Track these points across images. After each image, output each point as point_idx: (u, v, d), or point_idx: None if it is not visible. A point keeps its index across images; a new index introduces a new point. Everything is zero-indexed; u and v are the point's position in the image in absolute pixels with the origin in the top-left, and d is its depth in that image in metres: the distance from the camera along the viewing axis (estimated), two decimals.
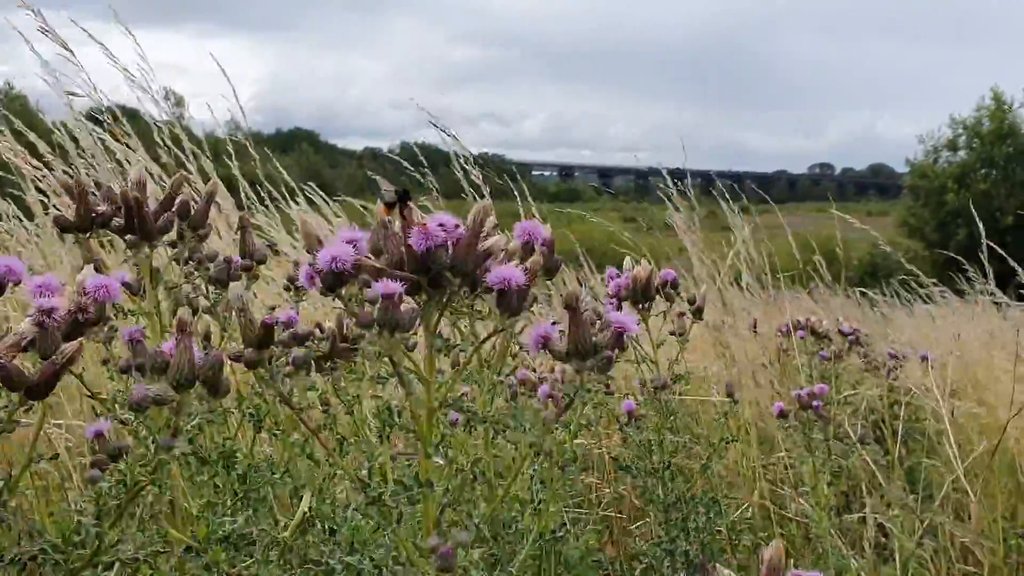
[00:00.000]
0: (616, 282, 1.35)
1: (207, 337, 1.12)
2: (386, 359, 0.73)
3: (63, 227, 0.96)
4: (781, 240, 3.35)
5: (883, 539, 1.96)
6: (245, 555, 0.87)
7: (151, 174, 2.20)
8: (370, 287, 0.71)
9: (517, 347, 1.04)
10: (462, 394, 0.84)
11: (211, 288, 1.05)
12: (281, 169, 2.64)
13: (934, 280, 3.84)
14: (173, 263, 1.05)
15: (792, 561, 0.73)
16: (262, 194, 2.55)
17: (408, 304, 0.75)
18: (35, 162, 2.11)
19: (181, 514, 0.91)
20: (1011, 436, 2.21)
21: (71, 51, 2.12)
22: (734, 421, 2.11)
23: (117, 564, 0.76)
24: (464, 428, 0.80)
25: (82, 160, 2.16)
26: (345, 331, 0.97)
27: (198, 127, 2.51)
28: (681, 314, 1.42)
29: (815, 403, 1.52)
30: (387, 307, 0.70)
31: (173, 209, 1.02)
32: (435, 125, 2.58)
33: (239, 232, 1.12)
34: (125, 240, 0.96)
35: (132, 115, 2.44)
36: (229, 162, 2.47)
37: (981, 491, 2.02)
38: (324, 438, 0.85)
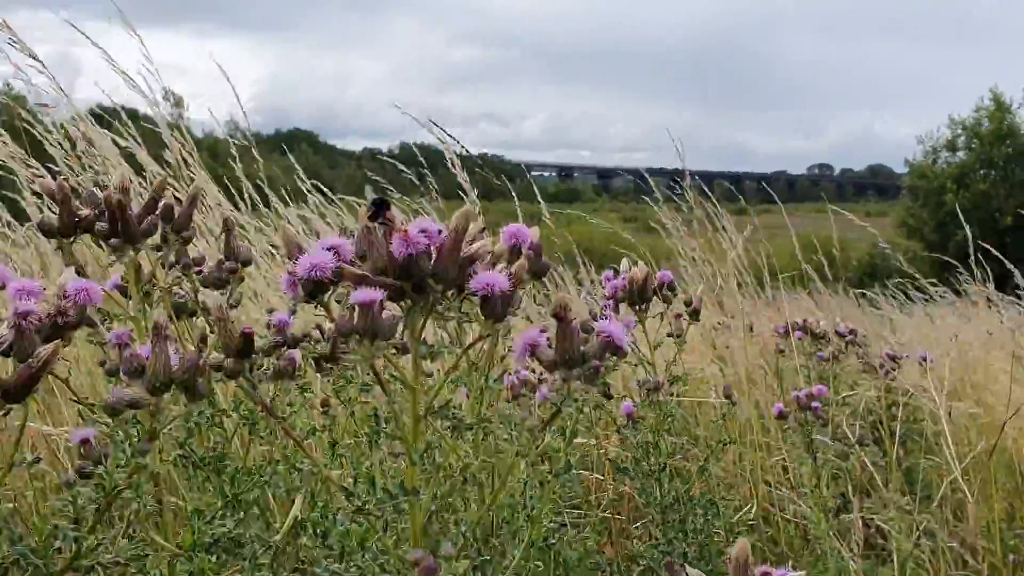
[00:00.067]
0: (613, 283, 1.35)
1: (204, 339, 1.11)
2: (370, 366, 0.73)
3: (46, 232, 0.96)
4: (781, 240, 3.35)
5: (881, 540, 1.96)
6: (235, 559, 0.86)
7: (147, 175, 2.20)
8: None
9: (507, 350, 1.04)
10: (448, 400, 0.84)
11: (207, 291, 1.05)
12: (297, 167, 2.64)
13: (931, 280, 3.84)
14: (159, 267, 1.04)
15: (791, 562, 0.73)
16: (266, 195, 2.55)
17: (394, 310, 0.74)
18: (34, 162, 2.11)
19: (176, 517, 0.91)
20: (1009, 436, 2.21)
21: (40, 61, 2.13)
22: (732, 423, 2.11)
23: (101, 569, 0.75)
24: (452, 434, 0.80)
25: (78, 161, 2.16)
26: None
27: (197, 128, 2.51)
28: (678, 315, 1.42)
29: (814, 404, 1.52)
30: (367, 314, 0.69)
31: (156, 212, 1.01)
32: (429, 125, 2.59)
33: (223, 234, 1.11)
34: (109, 244, 0.96)
35: (132, 115, 2.44)
36: (233, 164, 2.47)
37: (979, 491, 2.02)
38: (309, 445, 0.85)
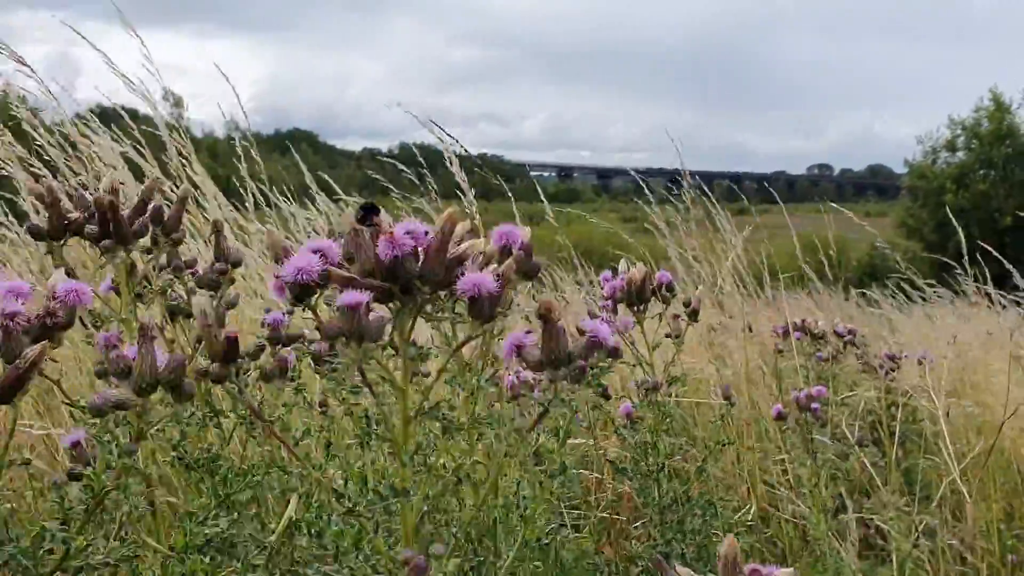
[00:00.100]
0: (611, 284, 1.35)
1: (199, 341, 1.12)
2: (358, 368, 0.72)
3: (36, 235, 0.96)
4: (781, 240, 3.35)
5: (881, 540, 1.96)
6: (229, 559, 0.86)
7: (148, 176, 2.20)
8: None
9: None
10: (438, 401, 0.85)
11: (195, 296, 1.05)
12: (303, 166, 2.63)
13: (929, 282, 3.85)
14: (151, 269, 1.04)
15: (789, 562, 0.73)
16: (266, 195, 2.55)
17: (383, 312, 0.74)
18: (37, 163, 2.11)
19: (177, 517, 0.91)
20: (1007, 436, 2.21)
21: (28, 65, 2.13)
22: (730, 424, 2.11)
23: (91, 570, 0.75)
24: (443, 435, 0.80)
25: (80, 163, 2.16)
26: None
27: (197, 128, 2.51)
28: (676, 316, 1.42)
29: (813, 405, 1.52)
30: (354, 317, 0.69)
31: (146, 214, 1.01)
32: (429, 125, 2.58)
33: (213, 236, 1.11)
34: (100, 246, 0.96)
35: (132, 115, 2.44)
36: (238, 164, 2.47)
37: (977, 492, 2.03)
38: (308, 446, 0.85)
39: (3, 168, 2.04)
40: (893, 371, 2.71)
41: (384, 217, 0.73)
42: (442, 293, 0.75)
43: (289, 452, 0.82)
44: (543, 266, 0.85)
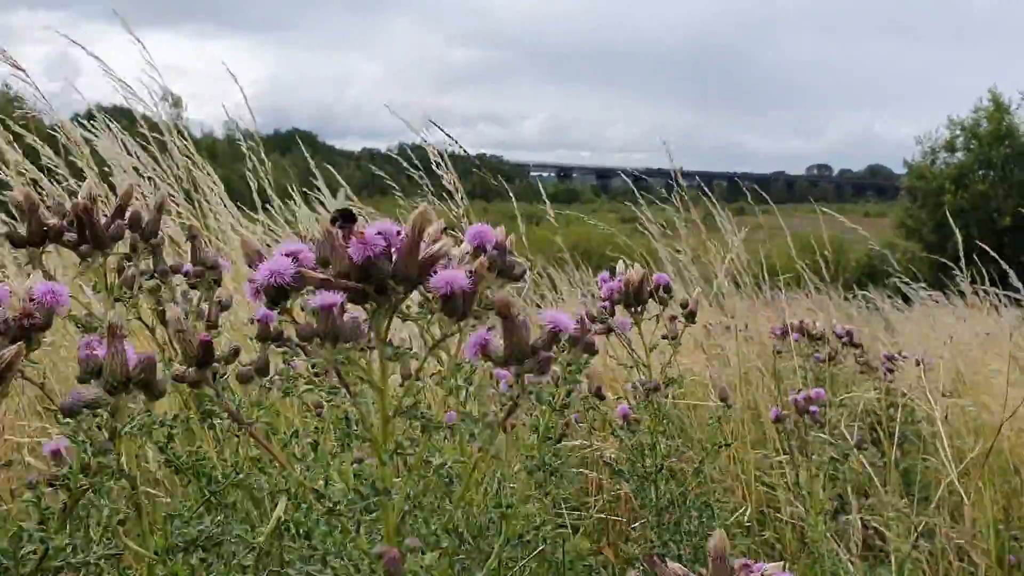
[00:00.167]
0: (609, 285, 1.35)
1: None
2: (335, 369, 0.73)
3: (15, 242, 0.97)
4: (780, 241, 3.35)
5: (880, 542, 1.96)
6: (217, 559, 0.87)
7: (150, 178, 2.20)
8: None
9: None
10: (417, 401, 0.86)
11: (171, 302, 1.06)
12: (312, 163, 2.63)
13: (922, 284, 3.86)
14: (131, 275, 1.05)
15: (786, 563, 0.74)
16: (271, 194, 2.54)
17: (359, 314, 0.75)
18: (29, 166, 2.11)
19: (157, 520, 0.91)
20: (1005, 437, 2.21)
21: (22, 69, 2.13)
22: (727, 425, 2.11)
23: (72, 569, 0.76)
24: (423, 434, 0.81)
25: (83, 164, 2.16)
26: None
27: (195, 128, 2.51)
28: (673, 318, 1.42)
29: (811, 408, 1.52)
30: (328, 317, 0.70)
31: (125, 218, 1.03)
32: (421, 127, 2.58)
33: (190, 241, 1.12)
34: (78, 252, 0.98)
35: (130, 116, 2.44)
36: (237, 164, 2.47)
37: (975, 493, 2.03)
38: (278, 451, 0.85)
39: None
40: (891, 372, 2.71)
41: (360, 222, 0.74)
42: (431, 296, 0.75)
43: (269, 453, 0.82)
44: (527, 267, 0.86)
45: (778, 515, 1.96)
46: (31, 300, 0.80)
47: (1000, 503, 2.18)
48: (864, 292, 4.53)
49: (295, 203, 2.61)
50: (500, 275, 0.83)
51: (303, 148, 2.88)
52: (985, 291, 3.43)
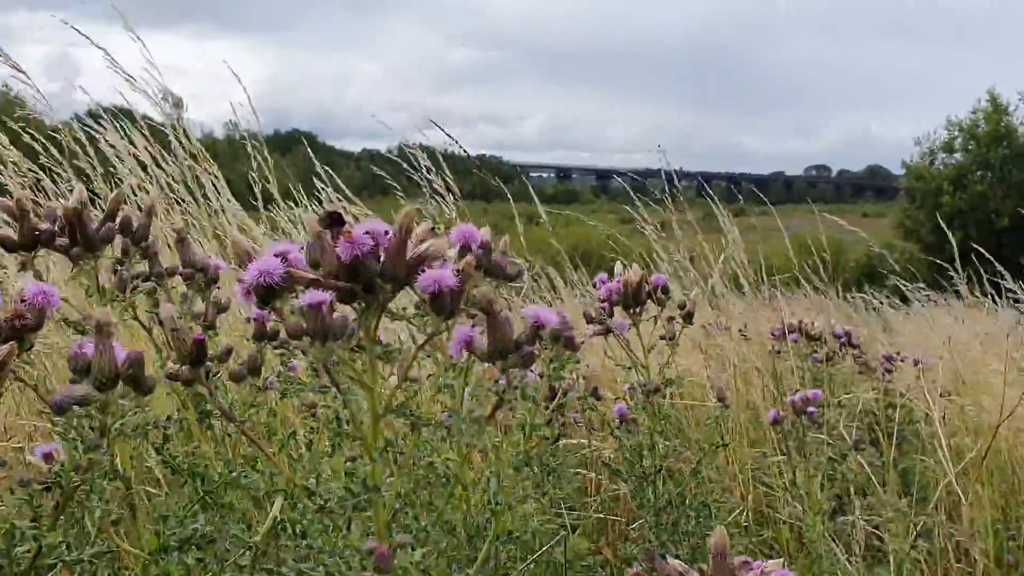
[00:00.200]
0: (607, 287, 1.36)
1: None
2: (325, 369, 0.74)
3: (7, 247, 0.98)
4: (779, 242, 3.36)
5: (878, 542, 1.96)
6: (211, 557, 0.87)
7: (155, 177, 2.21)
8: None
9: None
10: (406, 399, 0.87)
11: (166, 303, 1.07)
12: (316, 162, 2.63)
13: (920, 285, 3.86)
14: (122, 279, 1.06)
15: (783, 563, 0.74)
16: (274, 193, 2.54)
17: (351, 314, 0.75)
18: (31, 165, 2.11)
19: (149, 519, 0.92)
20: (1003, 437, 2.22)
21: (23, 71, 2.13)
22: (725, 425, 2.12)
23: (68, 567, 0.76)
24: (412, 431, 0.82)
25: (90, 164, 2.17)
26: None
27: (195, 128, 2.50)
28: (670, 319, 1.42)
29: (809, 409, 1.52)
30: (317, 316, 0.71)
31: (115, 222, 1.05)
32: (411, 132, 2.59)
33: (177, 244, 1.14)
34: (70, 255, 0.99)
35: (130, 116, 2.43)
36: (238, 165, 2.47)
37: (973, 493, 2.03)
38: (280, 451, 0.86)
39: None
40: (889, 372, 2.72)
41: (349, 222, 0.75)
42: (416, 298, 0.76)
43: (261, 451, 0.83)
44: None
45: (777, 515, 1.96)
46: (22, 301, 0.81)
47: (998, 503, 2.18)
48: (863, 294, 4.53)
49: (295, 203, 2.61)
50: (487, 274, 0.84)
51: (308, 150, 2.88)
52: (984, 292, 3.44)
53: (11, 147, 2.09)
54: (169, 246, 1.88)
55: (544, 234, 3.49)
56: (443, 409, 1.03)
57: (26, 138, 2.17)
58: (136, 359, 0.77)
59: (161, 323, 0.99)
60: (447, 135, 2.79)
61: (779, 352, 2.50)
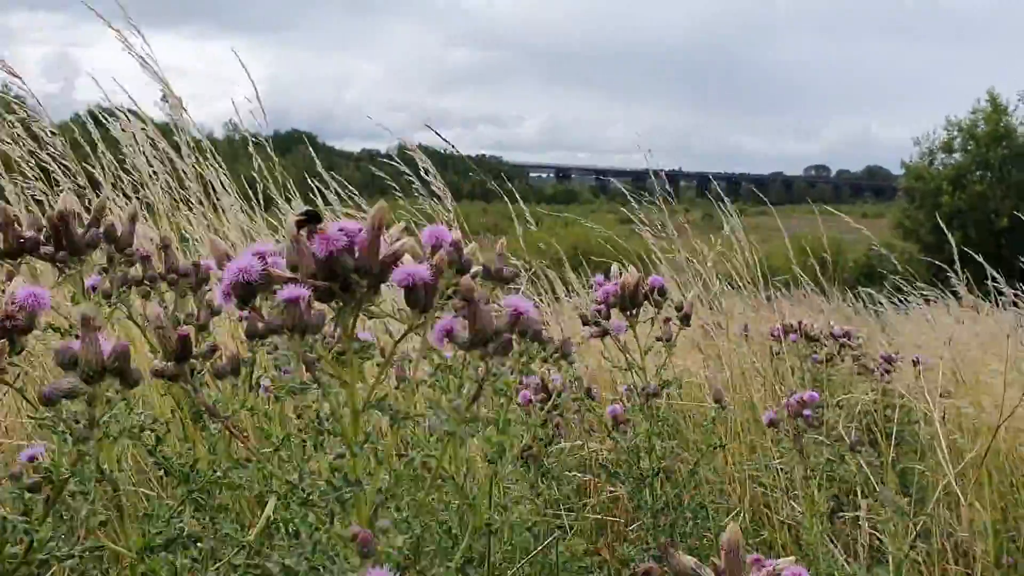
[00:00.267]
0: (604, 288, 1.35)
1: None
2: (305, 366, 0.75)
3: None
4: (778, 242, 3.35)
5: (876, 542, 1.96)
6: (205, 557, 0.87)
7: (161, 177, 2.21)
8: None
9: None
10: (385, 394, 0.89)
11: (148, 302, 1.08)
12: (318, 163, 2.63)
13: (919, 286, 3.86)
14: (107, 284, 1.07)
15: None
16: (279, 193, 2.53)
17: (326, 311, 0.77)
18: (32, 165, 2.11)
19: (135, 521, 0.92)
20: (1001, 438, 2.21)
21: (19, 76, 2.13)
22: (723, 426, 2.11)
23: (57, 561, 0.76)
24: (391, 425, 0.83)
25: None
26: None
27: (196, 129, 2.50)
28: (667, 320, 1.42)
29: (805, 411, 1.52)
30: (295, 311, 0.72)
31: (99, 229, 1.06)
32: (405, 135, 2.59)
33: (162, 250, 1.15)
34: (56, 262, 1.00)
35: (128, 116, 2.43)
36: (240, 165, 2.46)
37: (973, 493, 2.03)
38: (252, 446, 0.87)
39: None
40: (888, 372, 2.71)
41: (326, 223, 0.76)
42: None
43: (245, 447, 0.84)
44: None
45: (776, 516, 1.95)
46: (13, 303, 0.81)
47: (998, 503, 2.18)
48: (864, 292, 4.53)
49: (296, 204, 2.60)
50: (458, 272, 0.86)
51: (311, 151, 2.88)
52: (985, 293, 3.44)
53: (14, 143, 2.08)
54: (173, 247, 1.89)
55: (543, 235, 3.49)
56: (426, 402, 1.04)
57: (25, 139, 2.16)
58: (122, 351, 0.78)
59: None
60: (443, 139, 2.79)
61: (778, 353, 2.50)
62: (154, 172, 2.21)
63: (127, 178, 2.25)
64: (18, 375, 1.21)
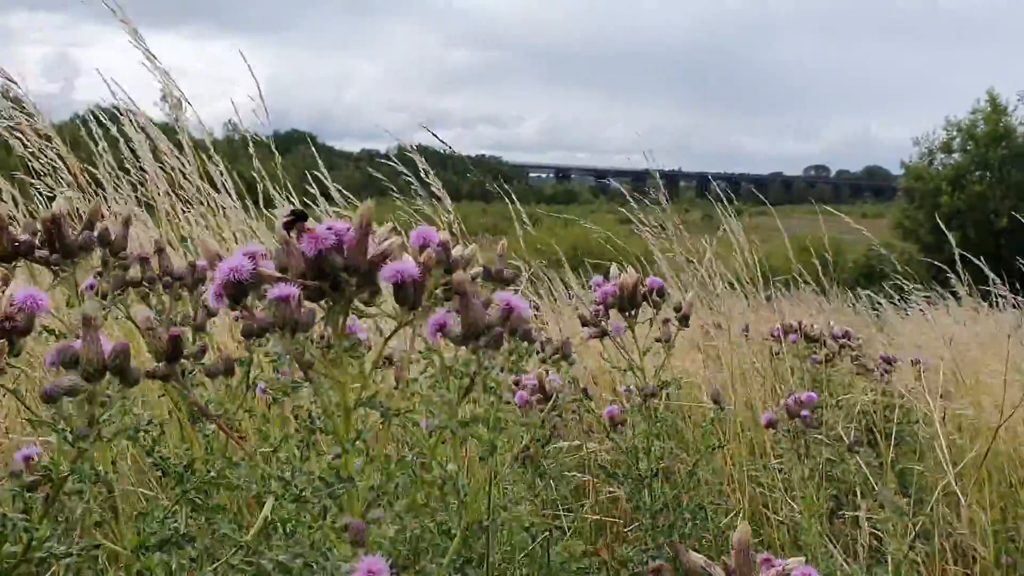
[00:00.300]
0: (603, 289, 1.35)
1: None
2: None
3: None
4: (778, 242, 3.35)
5: (875, 543, 1.96)
6: (195, 555, 0.88)
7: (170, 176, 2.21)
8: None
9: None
10: (376, 391, 0.89)
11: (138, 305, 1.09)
12: (321, 164, 2.62)
13: (917, 287, 3.86)
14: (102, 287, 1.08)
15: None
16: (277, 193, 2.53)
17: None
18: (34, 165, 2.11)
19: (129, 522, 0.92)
20: (1001, 438, 2.21)
21: (15, 81, 2.14)
22: (722, 426, 2.11)
23: (56, 560, 0.77)
24: (382, 423, 0.84)
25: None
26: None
27: (196, 129, 2.50)
28: (666, 321, 1.42)
29: (803, 412, 1.52)
30: (284, 309, 0.73)
31: (93, 232, 1.07)
32: (401, 135, 2.58)
33: (156, 254, 1.16)
34: (49, 264, 1.01)
35: (132, 115, 2.43)
36: (239, 165, 2.46)
37: (973, 493, 2.03)
38: (248, 444, 0.88)
39: None
40: (887, 373, 2.71)
41: (312, 223, 0.77)
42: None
43: (238, 445, 0.84)
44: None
45: (776, 516, 1.95)
46: (12, 305, 0.82)
47: (997, 504, 2.18)
48: (866, 292, 4.53)
49: (296, 204, 2.60)
50: (446, 272, 0.87)
51: (315, 151, 2.88)
52: (986, 294, 3.44)
53: (21, 137, 2.09)
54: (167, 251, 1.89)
55: (542, 235, 3.49)
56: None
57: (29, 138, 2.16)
58: (122, 350, 0.78)
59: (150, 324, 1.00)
60: (441, 141, 2.79)
61: (777, 353, 2.50)
62: (160, 167, 2.21)
63: (126, 178, 2.25)
64: (17, 376, 1.21)
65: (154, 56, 2.27)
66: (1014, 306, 3.50)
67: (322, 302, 0.77)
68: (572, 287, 3.32)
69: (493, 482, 1.01)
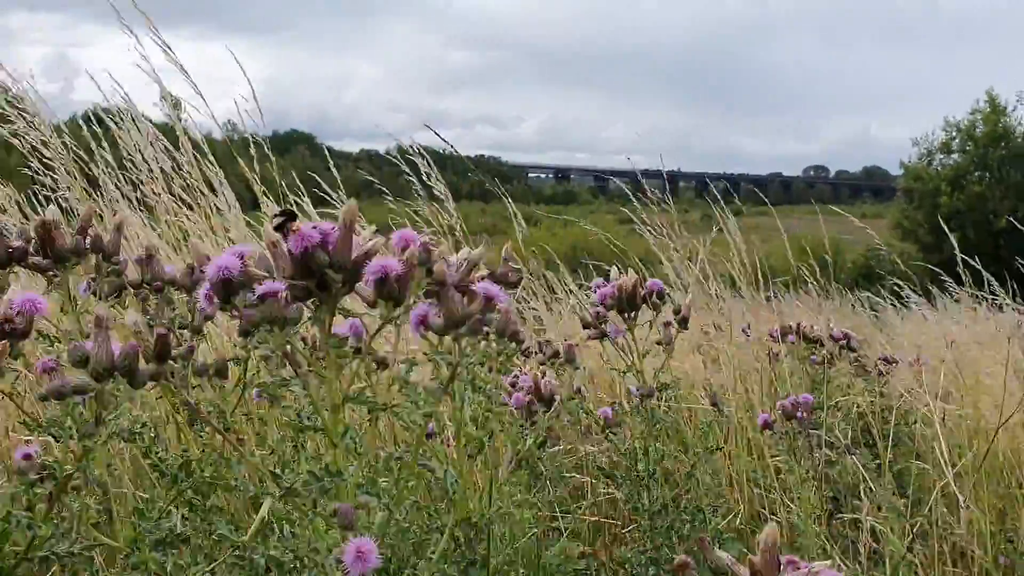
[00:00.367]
0: (602, 291, 1.35)
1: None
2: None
3: None
4: (777, 242, 3.35)
5: (874, 544, 1.96)
6: (192, 555, 0.88)
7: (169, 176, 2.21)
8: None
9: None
10: (363, 388, 0.90)
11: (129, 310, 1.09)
12: (331, 162, 2.62)
13: (913, 287, 3.86)
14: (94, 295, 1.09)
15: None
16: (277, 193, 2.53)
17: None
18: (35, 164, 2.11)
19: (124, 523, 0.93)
20: (1000, 440, 2.22)
21: (9, 89, 2.14)
22: (720, 428, 2.11)
23: (58, 559, 0.77)
24: (369, 419, 0.85)
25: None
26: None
27: (194, 129, 2.49)
28: (667, 323, 1.42)
29: (799, 413, 1.53)
30: (271, 306, 0.74)
31: (86, 238, 1.07)
32: (401, 136, 2.58)
33: (147, 259, 1.17)
34: (42, 269, 1.02)
35: (124, 117, 2.43)
36: (238, 165, 2.46)
37: (971, 494, 2.03)
38: (236, 441, 0.88)
39: None
40: (887, 374, 2.72)
41: (301, 222, 0.78)
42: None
43: (230, 443, 0.85)
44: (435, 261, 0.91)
45: (774, 517, 1.96)
46: (10, 308, 0.83)
47: (996, 505, 2.18)
48: (866, 293, 4.53)
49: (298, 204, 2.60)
50: (428, 273, 0.89)
51: (317, 152, 2.88)
52: (991, 293, 3.44)
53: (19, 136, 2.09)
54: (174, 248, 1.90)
55: (542, 236, 3.49)
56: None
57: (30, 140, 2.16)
58: (132, 352, 0.79)
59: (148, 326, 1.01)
60: (442, 139, 2.79)
61: (777, 354, 2.50)
62: (161, 168, 2.21)
63: (126, 176, 2.25)
64: (16, 376, 1.22)
65: (170, 48, 2.27)
66: (1014, 308, 3.50)
67: (309, 302, 0.79)
68: (571, 288, 3.32)
69: (493, 483, 1.01)
